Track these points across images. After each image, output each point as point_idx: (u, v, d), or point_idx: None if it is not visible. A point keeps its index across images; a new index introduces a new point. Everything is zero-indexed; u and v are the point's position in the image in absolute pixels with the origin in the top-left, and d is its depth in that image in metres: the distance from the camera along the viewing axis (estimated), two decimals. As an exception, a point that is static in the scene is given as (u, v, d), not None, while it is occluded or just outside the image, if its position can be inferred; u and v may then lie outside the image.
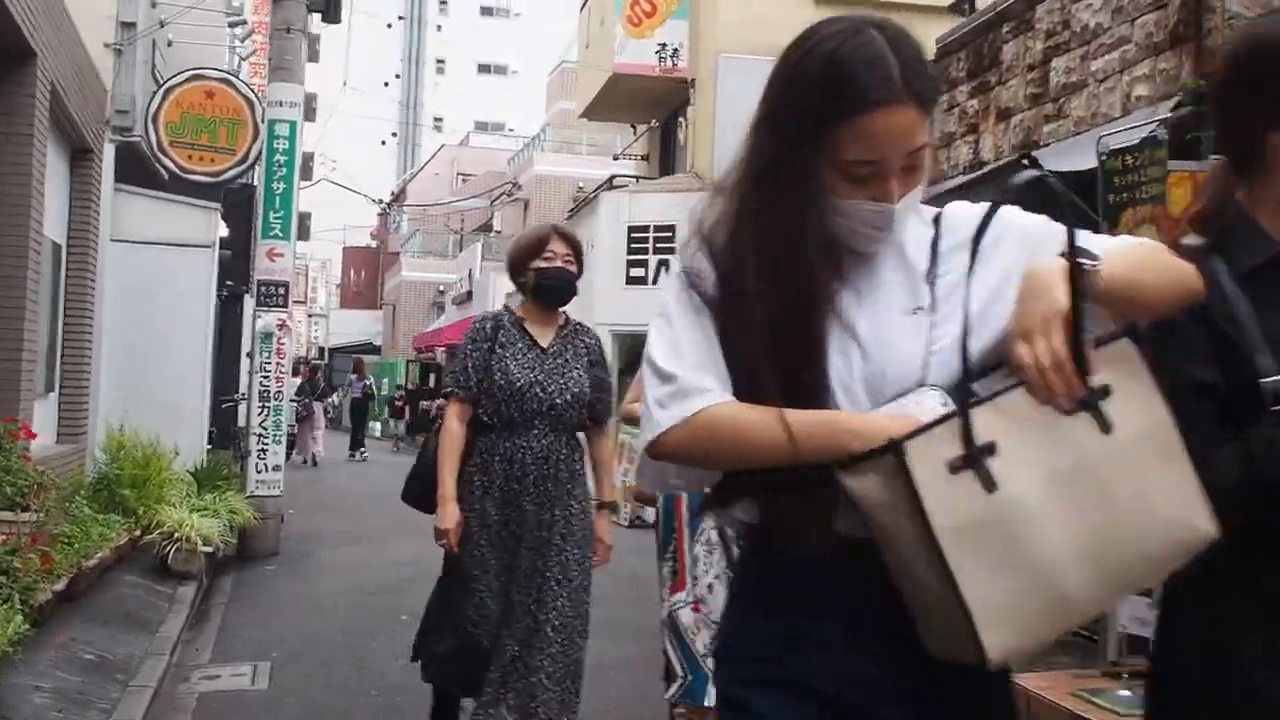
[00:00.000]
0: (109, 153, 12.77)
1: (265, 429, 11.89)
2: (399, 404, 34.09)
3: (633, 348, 19.60)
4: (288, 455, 28.33)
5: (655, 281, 18.58)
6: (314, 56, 53.48)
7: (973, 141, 9.72)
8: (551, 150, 42.60)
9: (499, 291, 29.57)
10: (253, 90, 14.17)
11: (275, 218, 11.98)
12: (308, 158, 60.94)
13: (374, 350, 51.82)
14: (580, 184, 34.63)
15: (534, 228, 5.40)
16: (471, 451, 4.97)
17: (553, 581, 4.86)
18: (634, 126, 24.35)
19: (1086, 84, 8.32)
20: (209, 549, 9.81)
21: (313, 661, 7.62)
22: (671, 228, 18.50)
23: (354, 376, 30.21)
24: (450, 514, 4.83)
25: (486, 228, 43.75)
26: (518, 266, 5.18)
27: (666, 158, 21.54)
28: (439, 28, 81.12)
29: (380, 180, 61.02)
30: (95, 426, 12.55)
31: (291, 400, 25.13)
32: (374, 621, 8.84)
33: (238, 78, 14.50)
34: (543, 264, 5.08)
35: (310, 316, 61.04)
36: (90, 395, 12.11)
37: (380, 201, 48.56)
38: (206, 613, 9.14)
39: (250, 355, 12.14)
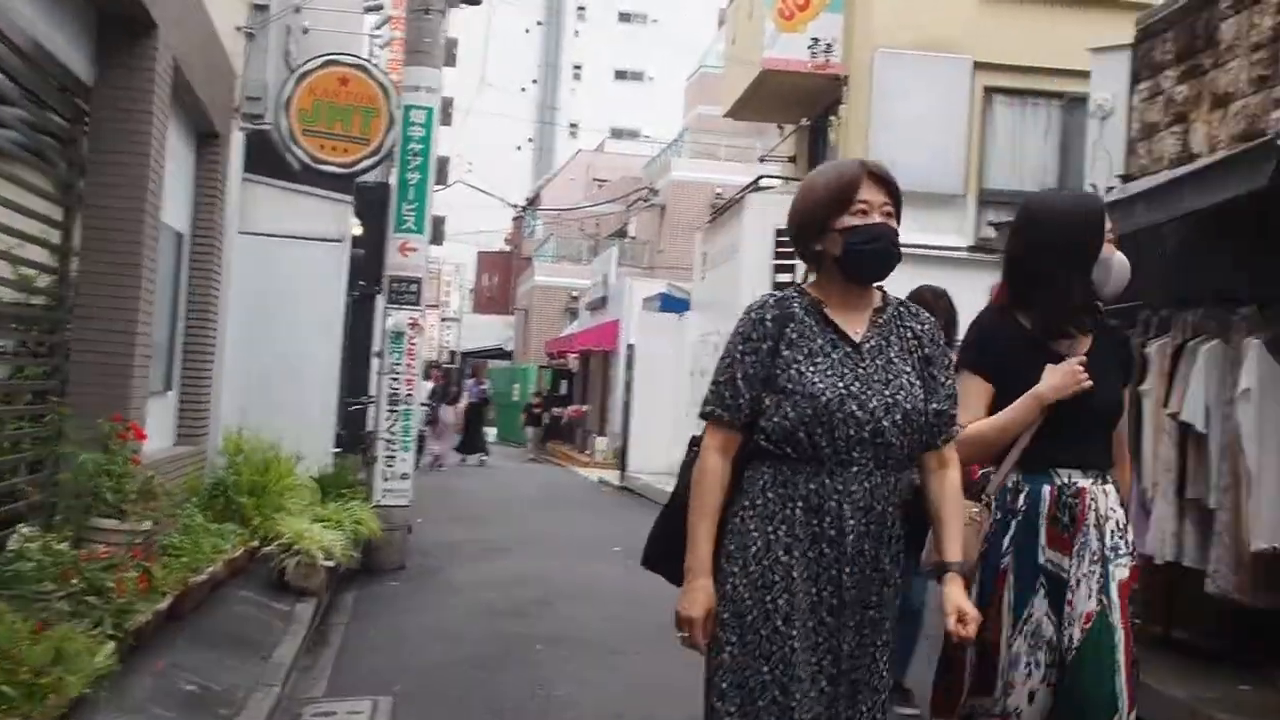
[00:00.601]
0: (237, 140, 12.18)
1: (394, 434, 11.19)
2: (536, 410, 32.92)
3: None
4: (416, 460, 28.30)
5: (803, 288, 17.57)
6: (451, 61, 53.34)
7: (1181, 132, 8.60)
8: (689, 156, 41.83)
9: (635, 297, 28.88)
10: (388, 78, 13.52)
11: (408, 210, 11.28)
12: (443, 161, 61.33)
13: (505, 355, 51.61)
14: (719, 190, 33.68)
15: (832, 165, 3.73)
16: (744, 491, 3.42)
17: (869, 692, 3.35)
18: (780, 127, 23.36)
19: (1331, 62, 7.20)
20: (330, 563, 9.09)
21: (439, 699, 6.81)
22: (822, 231, 17.49)
23: (471, 380, 29.43)
24: (698, 598, 3.37)
25: (621, 233, 43.16)
26: (809, 227, 3.56)
27: (815, 159, 20.50)
28: (576, 33, 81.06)
29: (515, 185, 60.85)
30: (216, 428, 11.99)
31: (422, 404, 24.78)
32: (506, 650, 8.02)
33: (373, 64, 13.85)
34: (852, 220, 3.49)
35: (443, 320, 61.04)
36: (211, 394, 11.50)
37: (516, 206, 48.19)
38: (325, 634, 8.40)
39: (379, 355, 11.45)
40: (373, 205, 24.83)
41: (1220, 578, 6.36)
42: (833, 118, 18.65)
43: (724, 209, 20.46)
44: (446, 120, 62.95)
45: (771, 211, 17.96)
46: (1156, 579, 7.19)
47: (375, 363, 13.30)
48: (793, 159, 21.40)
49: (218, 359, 11.37)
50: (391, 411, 11.20)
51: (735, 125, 44.51)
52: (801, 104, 19.97)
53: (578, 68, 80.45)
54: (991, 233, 17.39)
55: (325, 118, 13.06)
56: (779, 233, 17.81)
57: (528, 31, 79.20)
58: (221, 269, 11.23)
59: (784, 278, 17.76)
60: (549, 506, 18.63)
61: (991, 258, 17.50)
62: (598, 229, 45.26)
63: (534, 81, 79.33)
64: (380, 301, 23.97)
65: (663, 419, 22.86)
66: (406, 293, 11.27)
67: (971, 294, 15.65)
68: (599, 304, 34.96)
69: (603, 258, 37.62)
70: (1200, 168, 6.26)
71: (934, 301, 5.97)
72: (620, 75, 78.27)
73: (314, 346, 12.69)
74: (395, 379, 11.22)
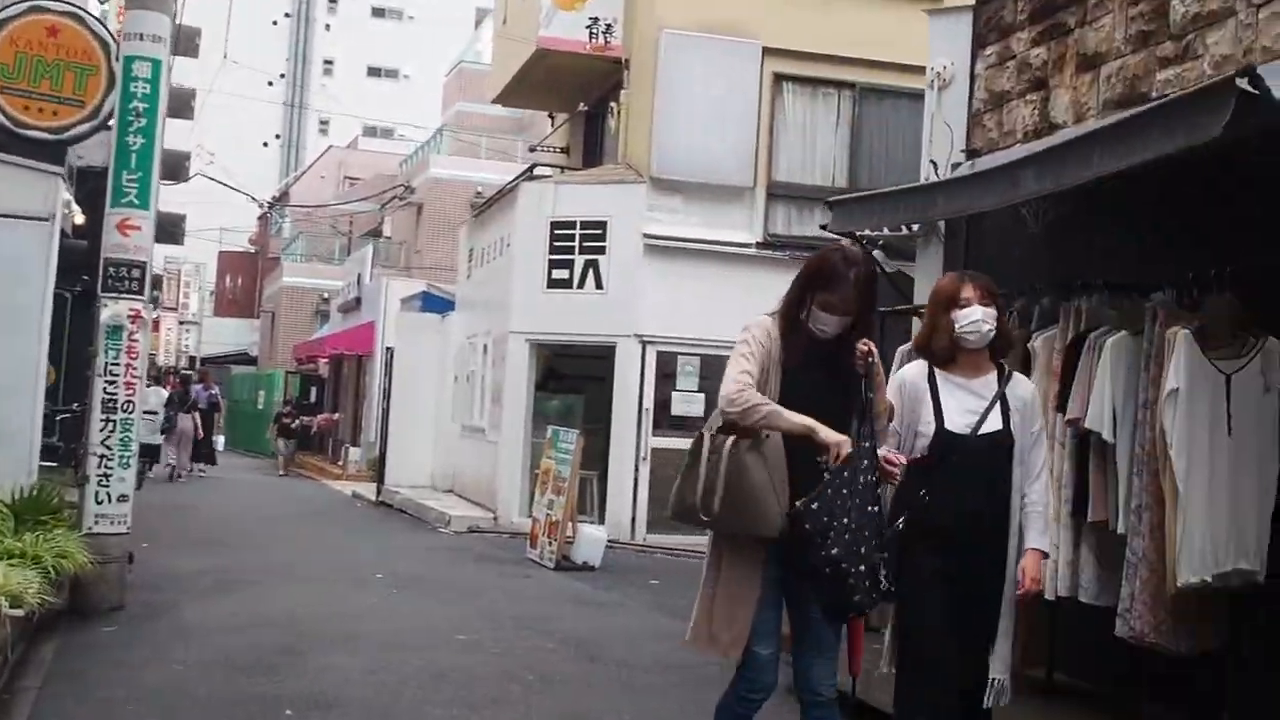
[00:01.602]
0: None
1: (109, 448, 9.30)
2: (287, 420, 29.98)
3: (552, 359, 17.27)
4: (146, 470, 25.70)
5: (582, 284, 16.22)
6: (193, 51, 50.08)
7: (1038, 101, 7.54)
8: (449, 153, 40.11)
9: (392, 297, 27.06)
10: (110, 32, 11.60)
11: (129, 180, 9.41)
12: (182, 156, 57.97)
13: (250, 361, 48.79)
14: (479, 189, 32.07)
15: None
16: None
17: None
18: (552, 117, 22.00)
19: (1235, 11, 6.17)
20: (18, 611, 7.22)
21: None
22: (602, 224, 16.21)
23: (199, 385, 26.74)
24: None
25: (376, 233, 41.09)
26: None
27: (592, 148, 19.22)
28: (328, 27, 78.11)
29: (263, 184, 57.80)
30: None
31: (145, 415, 22.32)
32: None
33: (89, 13, 11.87)
34: None
35: (182, 324, 57.54)
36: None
37: (262, 203, 45.47)
38: (8, 706, 6.56)
39: (92, 354, 9.55)
40: (98, 194, 22.55)
41: (1135, 618, 5.21)
42: (613, 104, 17.35)
43: (493, 200, 18.94)
44: (188, 113, 59.64)
45: (547, 201, 16.59)
46: (1041, 616, 6.05)
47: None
48: (565, 150, 20.04)
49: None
50: (106, 421, 9.30)
51: (497, 123, 43.33)
52: (578, 89, 18.63)
53: (329, 63, 77.61)
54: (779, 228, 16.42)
55: (29, 74, 11.18)
56: (555, 225, 16.44)
57: (275, 23, 75.97)
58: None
59: (560, 273, 16.38)
60: (299, 526, 16.75)
61: (781, 255, 16.53)
62: (351, 228, 43.04)
63: (282, 76, 75.88)
64: (107, 298, 21.70)
65: (424, 427, 21.18)
66: (127, 279, 9.39)
67: (761, 294, 14.55)
68: (352, 305, 32.93)
69: (356, 257, 35.58)
70: (1120, 121, 5.08)
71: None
72: (374, 72, 75.78)
73: (8, 345, 10.64)
74: (111, 382, 9.33)
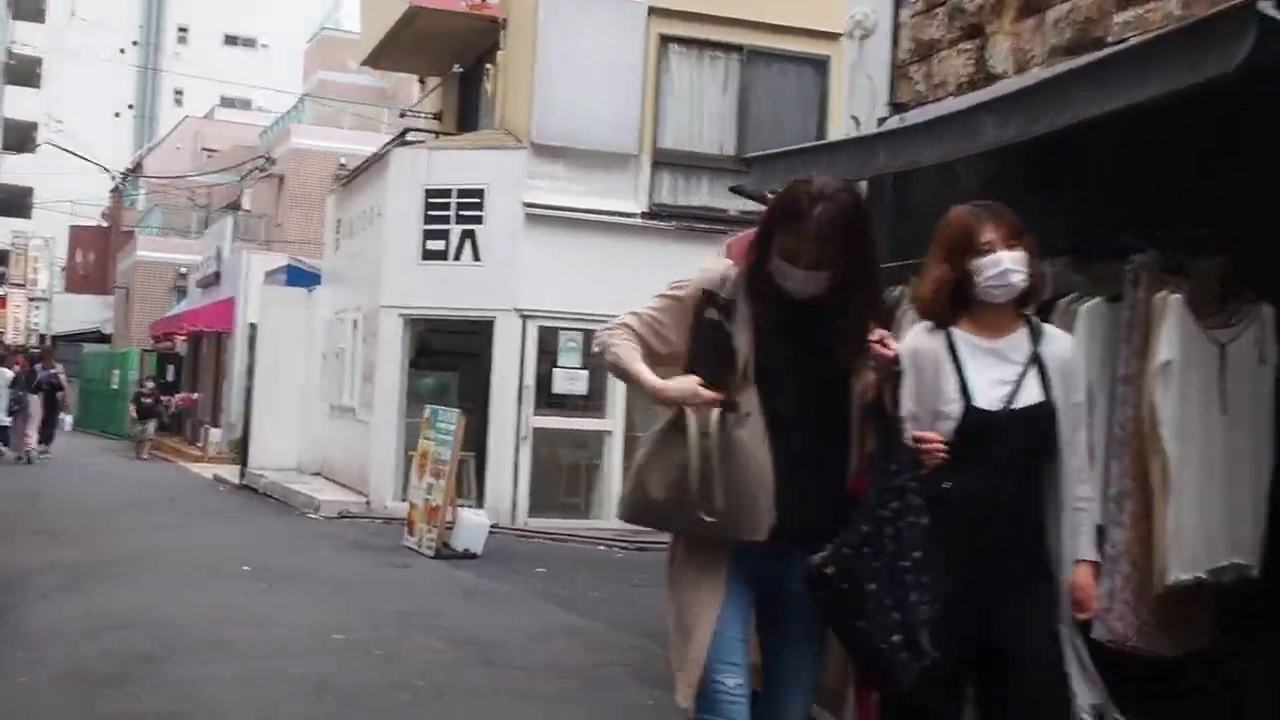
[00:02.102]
0: None
1: (-57, 435, 8.38)
2: (147, 400, 28.15)
3: (426, 334, 16.50)
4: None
5: (458, 256, 15.47)
6: (39, 16, 47.82)
7: (974, 49, 7.01)
8: (311, 123, 38.81)
9: (252, 272, 25.94)
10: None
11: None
12: (29, 127, 55.61)
13: (105, 339, 46.93)
14: (343, 160, 31.02)
15: None
16: None
17: None
18: (422, 81, 21.13)
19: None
20: None
21: None
22: (479, 192, 15.47)
23: (39, 365, 25.54)
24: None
25: (235, 206, 39.66)
26: None
27: (468, 114, 18.43)
28: (182, -7, 75.50)
29: (115, 156, 55.58)
30: None
31: None
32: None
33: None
34: None
35: (31, 301, 55.08)
36: None
37: (114, 174, 43.66)
38: None
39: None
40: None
41: (1116, 619, 4.68)
42: (489, 66, 16.60)
43: (362, 169, 18.02)
44: (35, 81, 57.27)
45: (421, 167, 15.80)
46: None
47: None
48: (438, 116, 19.21)
49: None
50: (-61, 404, 8.38)
51: (361, 93, 42.14)
52: (452, 51, 17.82)
53: (183, 30, 75.00)
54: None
55: None
56: (430, 194, 15.66)
57: (127, -13, 73.24)
58: None
59: (436, 244, 15.61)
60: (156, 513, 15.73)
61: (668, 225, 15.97)
62: (210, 200, 41.50)
63: (134, 43, 73.22)
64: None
65: (289, 407, 20.19)
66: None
67: (647, 264, 13.97)
68: (211, 280, 31.59)
69: (215, 230, 34.18)
70: (1110, 55, 4.54)
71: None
72: (231, 40, 73.44)
73: None
74: (-56, 361, 8.41)
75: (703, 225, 15.67)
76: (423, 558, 12.26)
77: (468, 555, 12.37)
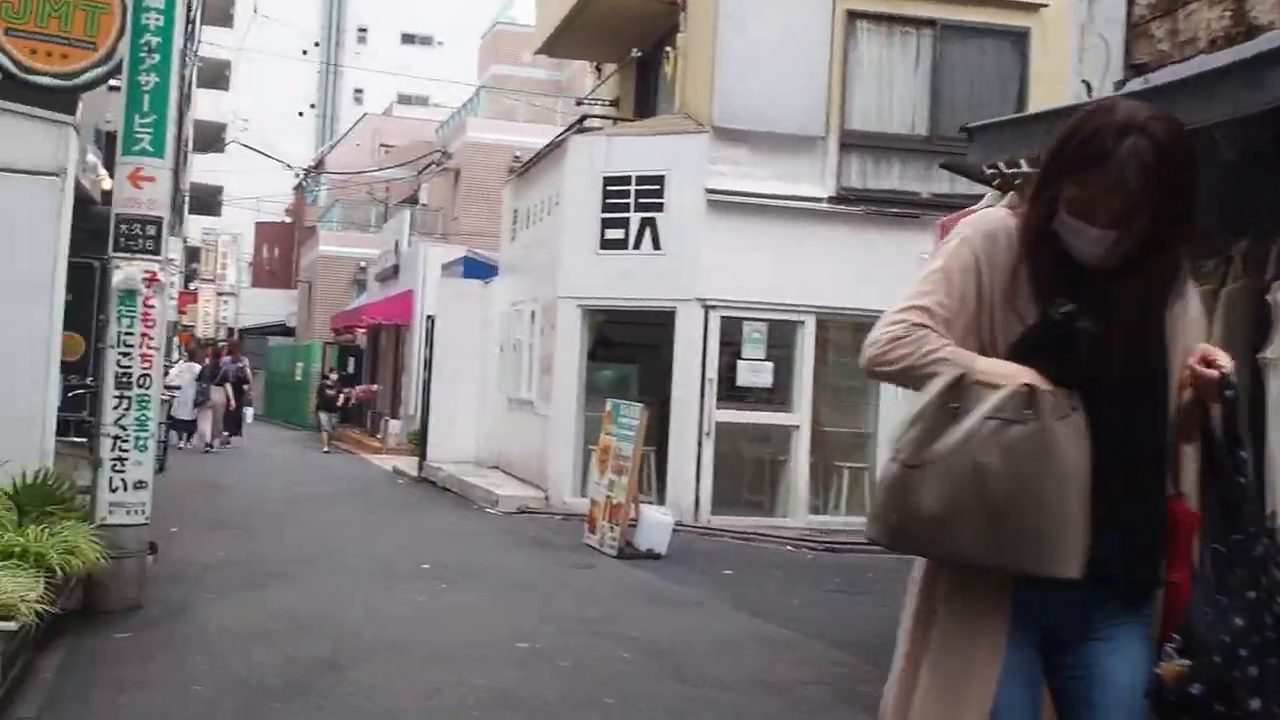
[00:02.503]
0: (-89, 37, 9.05)
1: (124, 428, 8.21)
2: (330, 391, 28.05)
3: (604, 326, 16.11)
4: (181, 443, 25.14)
5: (638, 245, 15.04)
6: (227, 21, 48.88)
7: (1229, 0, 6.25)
8: (486, 116, 38.99)
9: (431, 264, 25.96)
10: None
11: (142, 125, 8.30)
12: (219, 128, 57.38)
13: (288, 332, 47.94)
14: (518, 152, 30.98)
15: None
16: None
17: None
18: (598, 69, 20.78)
19: None
20: (9, 624, 6.14)
21: None
22: (659, 178, 15.01)
23: (228, 358, 26.17)
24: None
25: (413, 200, 40.06)
26: None
27: (645, 100, 18.00)
28: (361, -7, 76.95)
29: (299, 154, 56.84)
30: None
31: (170, 390, 21.43)
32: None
33: (100, -56, 10.72)
34: None
35: (220, 295, 56.68)
36: None
37: (297, 170, 44.50)
38: (-4, 740, 5.50)
39: (103, 322, 8.45)
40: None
41: None
42: (668, 49, 16.12)
43: (539, 157, 17.73)
44: (223, 84, 59.08)
45: (599, 154, 15.41)
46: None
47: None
48: (615, 103, 18.81)
49: None
50: (120, 398, 8.21)
51: (535, 86, 42.18)
52: (629, 36, 17.39)
53: (363, 30, 76.42)
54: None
55: (36, 13, 9.98)
56: (609, 181, 15.25)
57: (309, -9, 74.95)
58: None
59: (615, 233, 15.20)
60: (336, 506, 15.68)
61: (856, 209, 15.31)
62: (388, 195, 42.01)
63: (316, 44, 74.87)
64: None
65: (466, 400, 20.06)
66: (141, 237, 8.28)
67: (835, 251, 13.29)
68: (390, 274, 31.85)
69: (393, 224, 34.48)
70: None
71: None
72: (408, 39, 74.56)
73: (16, 314, 9.57)
74: (125, 354, 8.23)
75: (894, 209, 15.00)
76: (605, 557, 11.86)
77: (651, 555, 11.93)
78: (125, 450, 8.22)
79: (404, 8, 73.91)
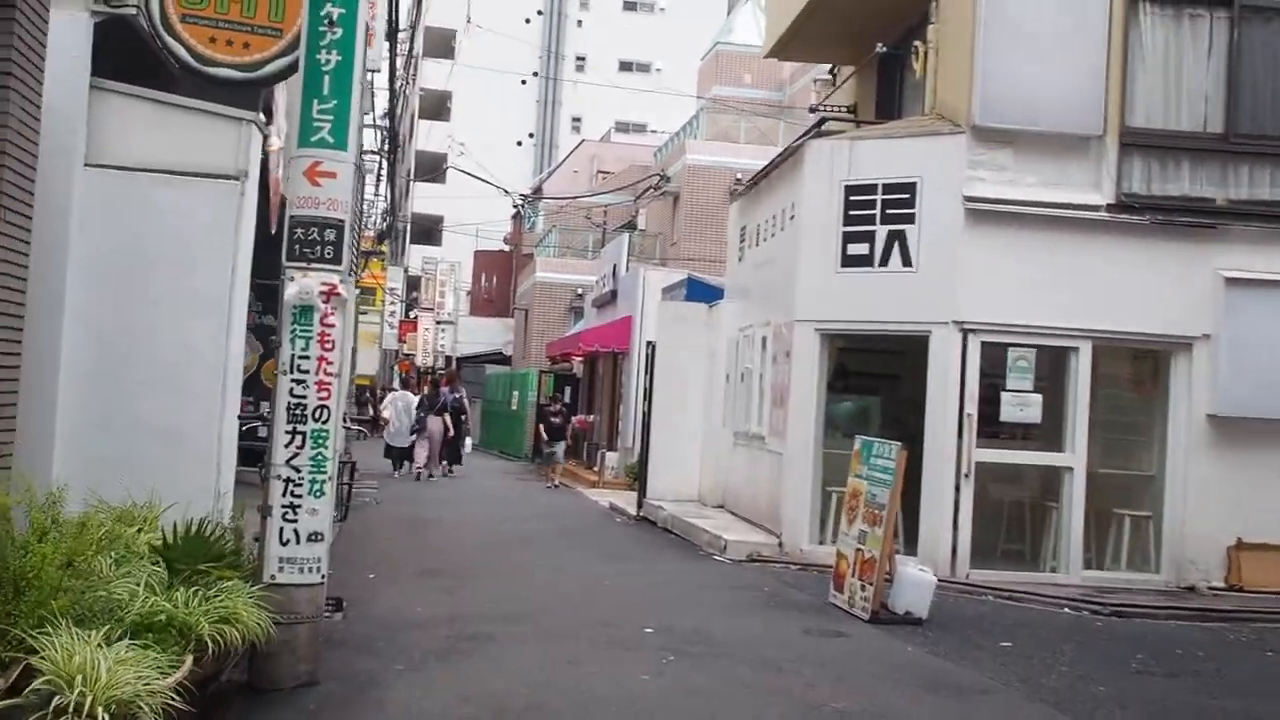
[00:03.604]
0: (78, 26, 8.02)
1: (297, 469, 6.91)
2: (556, 420, 25.80)
3: (846, 354, 14.43)
4: (395, 472, 24.56)
5: (885, 261, 13.32)
6: (448, 52, 49.19)
7: None
8: (705, 138, 37.76)
9: (649, 289, 24.64)
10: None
11: (322, 113, 7.01)
12: (439, 158, 57.82)
13: (505, 360, 47.50)
14: (739, 175, 29.65)
15: None
16: None
17: None
18: (833, 74, 19.12)
19: None
20: (132, 728, 4.82)
21: None
22: (910, 186, 13.27)
23: (445, 388, 25.69)
24: None
25: (631, 226, 39.07)
26: None
27: (888, 102, 16.26)
28: (579, 23, 77.01)
29: (516, 183, 56.73)
30: (50, 457, 7.90)
31: (351, 422, 20.77)
32: None
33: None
34: None
35: (438, 323, 56.80)
36: (26, 409, 7.36)
37: (515, 194, 43.92)
38: None
39: (275, 344, 7.19)
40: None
41: None
42: (916, 44, 14.37)
43: (772, 166, 16.13)
44: (444, 115, 59.57)
45: (840, 161, 13.74)
46: None
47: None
48: (852, 109, 17.10)
49: (35, 357, 7.23)
50: (292, 434, 6.91)
51: (755, 108, 40.76)
52: (868, 32, 15.68)
53: (581, 59, 76.41)
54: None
55: (217, -1, 8.99)
56: (851, 190, 13.59)
57: (528, 21, 75.32)
58: (41, 221, 7.11)
59: (858, 248, 13.51)
60: (551, 549, 14.32)
61: (1139, 218, 13.29)
62: (605, 220, 41.14)
63: (534, 74, 75.20)
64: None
65: (689, 432, 18.56)
66: (319, 243, 6.98)
67: (1115, 266, 11.36)
68: (607, 299, 30.70)
69: (611, 248, 33.38)
70: None
71: None
72: (625, 66, 74.26)
73: (196, 334, 8.46)
74: (299, 381, 6.94)
75: (1184, 218, 13.01)
76: (856, 621, 10.14)
77: (909, 619, 10.18)
78: (298, 496, 6.92)
79: (622, 36, 73.74)
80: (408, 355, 57.51)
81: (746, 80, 44.36)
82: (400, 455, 25.20)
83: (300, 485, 6.92)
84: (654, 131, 61.43)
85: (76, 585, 5.59)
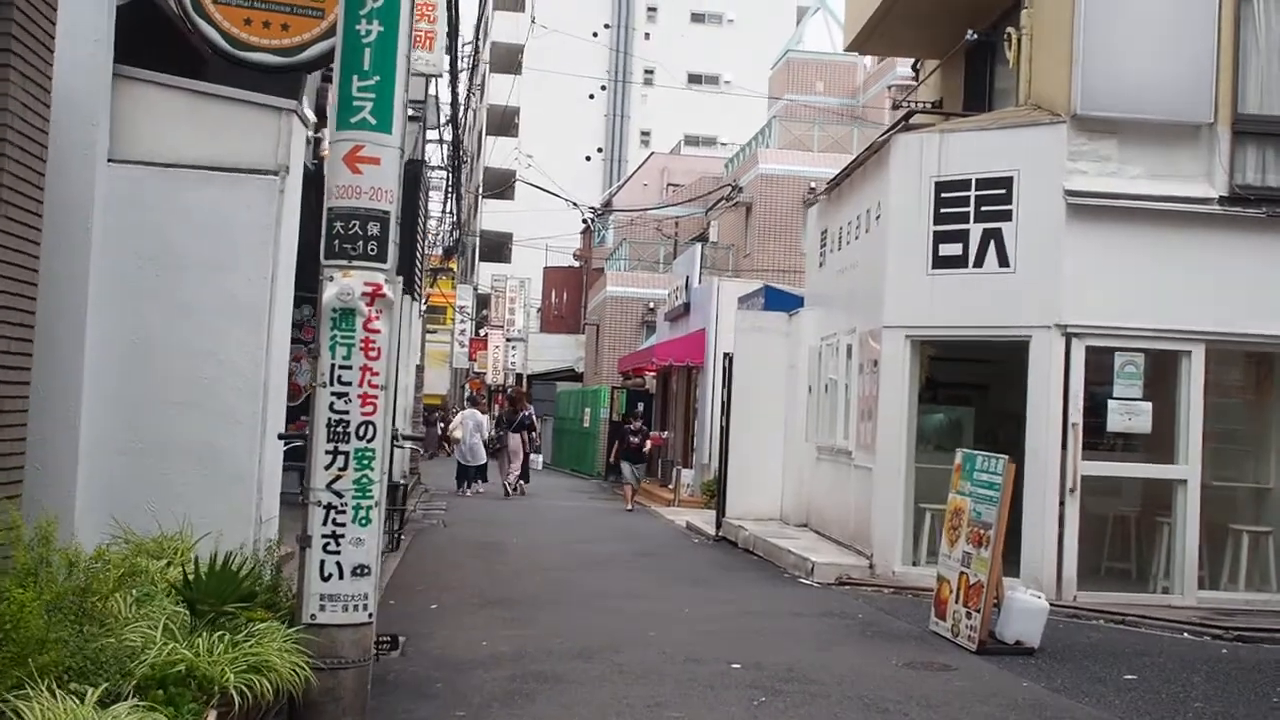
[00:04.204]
0: (100, 9, 7.33)
1: (339, 495, 6.12)
2: (635, 439, 24.02)
3: (934, 364, 13.49)
4: (466, 489, 24.13)
5: (980, 262, 12.39)
6: (516, 68, 49.03)
7: None
8: (778, 147, 36.86)
9: (723, 300, 23.78)
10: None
11: (362, 89, 6.24)
12: (508, 175, 57.37)
13: (575, 377, 46.80)
14: (813, 184, 28.84)
15: None
16: None
17: None
18: (915, 69, 18.19)
19: None
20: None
21: None
22: (1006, 180, 12.33)
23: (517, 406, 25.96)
24: None
25: (702, 238, 38.22)
26: None
27: (976, 95, 15.29)
28: (647, 36, 76.30)
29: (586, 198, 56.17)
30: (71, 482, 7.21)
31: (408, 440, 20.40)
32: None
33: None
34: None
35: (508, 341, 56.21)
36: (44, 430, 6.67)
37: (585, 207, 43.30)
38: None
39: (312, 351, 6.41)
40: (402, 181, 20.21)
41: None
42: (1009, 31, 13.43)
43: (855, 165, 15.21)
44: (512, 131, 59.22)
45: (930, 156, 12.84)
46: None
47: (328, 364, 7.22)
48: (938, 104, 16.13)
49: (55, 373, 6.53)
50: (334, 454, 6.13)
51: (827, 115, 39.85)
52: (956, 21, 14.77)
53: (649, 72, 75.74)
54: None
55: (255, -20, 8.29)
56: (941, 186, 12.67)
57: (595, 35, 74.77)
58: (79, 219, 6.43)
59: (950, 248, 12.58)
60: (626, 573, 13.49)
61: (1254, 212, 12.25)
62: (676, 232, 40.36)
63: (602, 88, 74.75)
64: (406, 304, 19.13)
65: (769, 448, 17.63)
66: (362, 238, 6.20)
67: (1229, 263, 10.28)
68: (680, 312, 29.83)
69: (683, 259, 32.53)
70: None
71: None
72: (694, 79, 73.48)
73: (233, 347, 7.72)
74: (341, 395, 6.16)
75: (1304, 211, 11.94)
76: (963, 652, 9.19)
77: (1020, 649, 9.24)
78: (340, 524, 6.13)
79: (691, 48, 73.04)
80: (478, 374, 57.05)
81: (819, 88, 43.49)
82: (471, 474, 24.94)
83: (343, 512, 6.14)
84: (723, 144, 60.63)
85: (71, 635, 4.82)
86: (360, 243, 6.19)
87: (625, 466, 23.84)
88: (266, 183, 7.80)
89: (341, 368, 6.17)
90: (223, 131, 7.82)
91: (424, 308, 25.12)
